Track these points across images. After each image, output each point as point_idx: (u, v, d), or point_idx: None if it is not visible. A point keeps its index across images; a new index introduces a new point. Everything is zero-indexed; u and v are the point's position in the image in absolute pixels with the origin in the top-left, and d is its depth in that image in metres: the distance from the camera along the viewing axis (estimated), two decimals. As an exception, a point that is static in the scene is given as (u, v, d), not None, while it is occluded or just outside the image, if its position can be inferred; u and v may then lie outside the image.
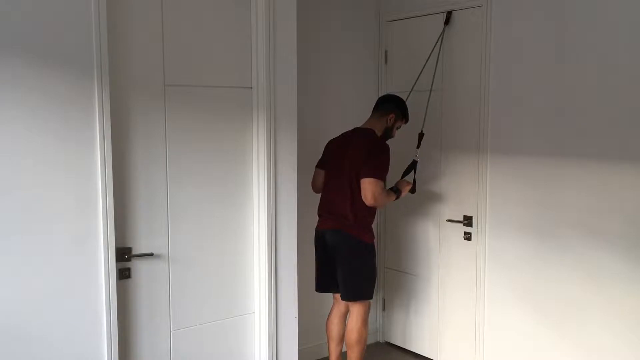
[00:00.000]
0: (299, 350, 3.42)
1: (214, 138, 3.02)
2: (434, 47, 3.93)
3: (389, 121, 3.66)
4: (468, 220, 3.89)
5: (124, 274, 2.77)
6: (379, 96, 3.76)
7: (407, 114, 3.75)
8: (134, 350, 2.84)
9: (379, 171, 3.46)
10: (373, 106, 3.75)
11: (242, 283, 3.19)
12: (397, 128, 3.75)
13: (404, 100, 3.77)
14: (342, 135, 3.69)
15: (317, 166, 3.77)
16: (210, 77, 2.99)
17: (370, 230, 3.63)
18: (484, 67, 3.70)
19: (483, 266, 3.81)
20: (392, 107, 3.67)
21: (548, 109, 3.41)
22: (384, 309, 4.59)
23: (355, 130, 3.66)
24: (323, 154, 3.74)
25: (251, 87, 3.12)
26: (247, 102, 3.11)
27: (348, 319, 3.73)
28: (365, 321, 3.66)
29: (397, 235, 4.42)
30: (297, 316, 3.34)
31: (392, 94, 3.84)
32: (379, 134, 3.64)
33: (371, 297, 3.69)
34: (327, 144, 3.73)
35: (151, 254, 2.85)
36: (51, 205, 2.49)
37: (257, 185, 3.15)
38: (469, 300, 3.92)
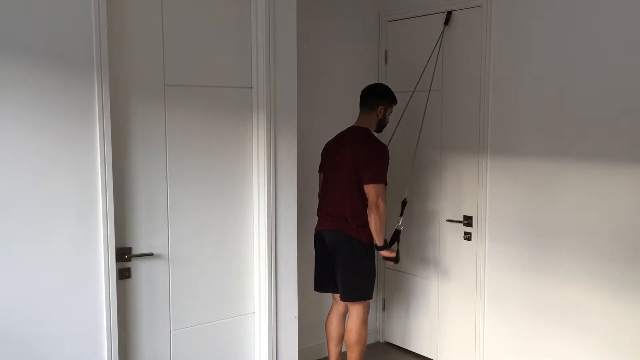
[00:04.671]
0: (299, 350, 3.42)
1: (214, 138, 3.02)
2: (435, 47, 3.93)
3: (379, 113, 3.65)
4: (468, 220, 3.89)
5: (124, 274, 2.77)
6: (361, 90, 3.73)
7: (394, 97, 3.70)
8: (134, 350, 2.85)
9: (380, 174, 3.47)
10: (359, 102, 3.71)
11: (242, 283, 3.19)
12: (389, 114, 3.73)
13: (387, 87, 3.74)
14: (337, 136, 3.69)
15: (319, 171, 3.77)
16: (210, 77, 2.99)
17: (370, 230, 3.62)
18: (484, 67, 3.70)
19: (483, 266, 3.81)
20: (377, 99, 3.64)
21: (548, 109, 3.41)
22: (384, 309, 4.59)
23: (350, 130, 3.65)
24: (322, 158, 3.74)
25: (251, 87, 3.12)
26: (247, 102, 3.11)
27: (347, 319, 3.73)
28: (364, 321, 3.66)
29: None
30: (297, 316, 3.35)
31: (373, 84, 3.79)
32: (373, 129, 3.64)
33: (370, 297, 3.68)
34: (324, 146, 3.73)
35: (151, 254, 2.85)
36: (51, 206, 2.49)
37: (257, 185, 3.15)
38: (469, 300, 3.92)
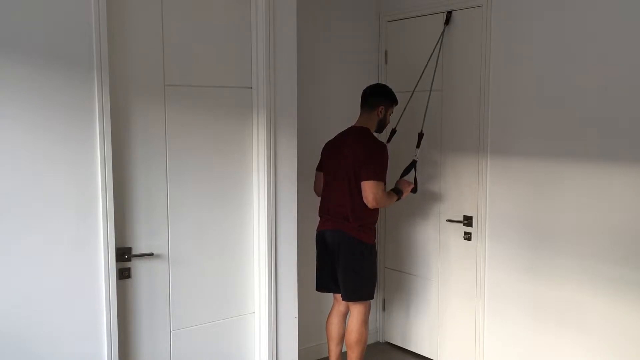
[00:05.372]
0: (299, 350, 3.42)
1: (213, 138, 3.02)
2: (435, 47, 3.93)
3: (379, 114, 3.65)
4: (468, 220, 3.89)
5: (124, 274, 2.77)
6: (362, 90, 3.75)
7: (395, 98, 3.73)
8: (134, 350, 2.85)
9: (379, 172, 3.47)
10: (360, 102, 3.72)
11: (242, 283, 3.19)
12: (390, 114, 3.74)
13: (389, 87, 3.75)
14: (337, 135, 3.69)
15: (317, 169, 3.77)
16: (210, 77, 2.99)
17: (371, 230, 3.62)
18: (484, 67, 3.70)
19: (483, 266, 3.81)
20: (378, 99, 3.65)
21: (548, 109, 3.41)
22: (384, 309, 4.59)
23: (350, 129, 3.66)
24: (321, 157, 3.74)
25: (251, 87, 3.12)
26: (247, 102, 3.11)
27: (348, 319, 3.73)
28: (365, 321, 3.66)
29: (397, 235, 4.42)
30: (297, 316, 3.35)
31: (375, 84, 3.81)
32: (373, 129, 3.65)
33: (372, 298, 3.68)
34: (324, 146, 3.73)
35: (151, 254, 2.85)
36: (51, 206, 2.49)
37: (257, 185, 3.15)
38: (469, 300, 3.92)
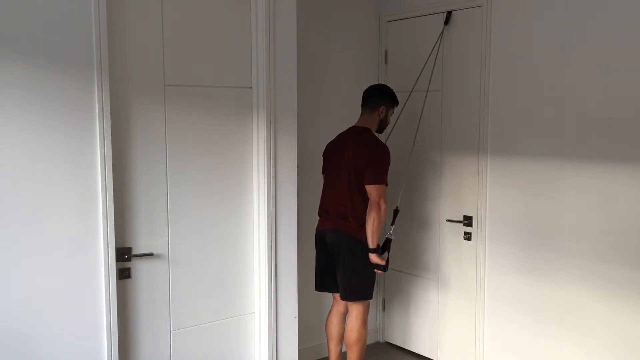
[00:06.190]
0: (299, 350, 3.42)
1: (214, 138, 3.02)
2: (434, 47, 3.93)
3: (380, 114, 3.65)
4: (468, 220, 3.89)
5: (124, 274, 2.77)
6: (363, 90, 3.75)
7: (396, 98, 3.72)
8: (134, 350, 2.85)
9: (381, 176, 3.47)
10: (361, 103, 3.71)
11: (242, 283, 3.19)
12: (391, 114, 3.74)
13: (390, 87, 3.75)
14: (338, 136, 3.69)
15: (322, 172, 3.76)
16: (210, 77, 2.99)
17: (370, 230, 3.62)
18: (484, 67, 3.70)
19: (483, 266, 3.81)
20: (379, 99, 3.65)
21: (548, 109, 3.41)
22: (384, 309, 4.59)
23: (351, 130, 3.66)
24: (323, 159, 3.74)
25: (251, 87, 3.12)
26: (247, 102, 3.12)
27: (347, 319, 3.73)
28: (364, 321, 3.66)
29: (397, 235, 4.41)
30: (297, 316, 3.35)
31: (375, 84, 3.81)
32: (374, 129, 3.65)
33: (370, 297, 3.68)
34: (325, 148, 3.73)
35: (151, 254, 2.86)
36: (51, 206, 2.49)
37: (257, 185, 3.15)
38: (469, 300, 3.92)
